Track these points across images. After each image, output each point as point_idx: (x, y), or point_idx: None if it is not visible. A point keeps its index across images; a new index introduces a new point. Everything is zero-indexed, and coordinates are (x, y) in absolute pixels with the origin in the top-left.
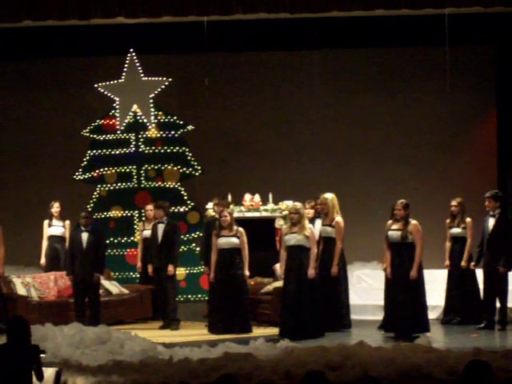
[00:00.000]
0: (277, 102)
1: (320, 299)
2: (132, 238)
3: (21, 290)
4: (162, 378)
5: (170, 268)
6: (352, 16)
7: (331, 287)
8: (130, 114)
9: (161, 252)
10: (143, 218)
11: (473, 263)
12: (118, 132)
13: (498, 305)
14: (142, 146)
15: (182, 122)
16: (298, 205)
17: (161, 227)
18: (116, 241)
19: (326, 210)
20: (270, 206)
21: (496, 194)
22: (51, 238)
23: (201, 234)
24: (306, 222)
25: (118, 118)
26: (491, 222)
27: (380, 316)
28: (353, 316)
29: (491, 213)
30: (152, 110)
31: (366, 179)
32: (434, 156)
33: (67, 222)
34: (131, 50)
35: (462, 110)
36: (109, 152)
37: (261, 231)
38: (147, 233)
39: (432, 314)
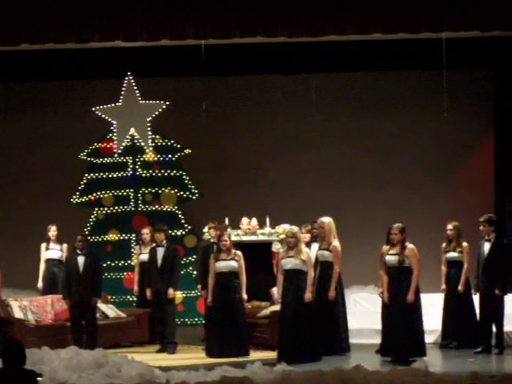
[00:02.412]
0: (274, 126)
1: (317, 323)
2: (129, 262)
3: (18, 314)
4: None
5: (171, 291)
6: (350, 40)
7: (329, 311)
8: (128, 137)
9: (161, 275)
10: (140, 242)
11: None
12: (116, 155)
13: (494, 329)
14: (140, 170)
15: (179, 146)
16: (295, 229)
17: (160, 251)
18: (113, 264)
19: (322, 233)
20: (267, 229)
21: (490, 219)
22: (49, 261)
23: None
24: (303, 245)
25: (115, 142)
26: (486, 246)
27: (377, 340)
28: (350, 340)
29: (486, 237)
30: (149, 133)
31: (362, 203)
32: (431, 180)
33: (65, 246)
34: (129, 73)
35: (460, 133)
36: (106, 175)
37: (258, 255)
38: (144, 257)
39: (429, 338)
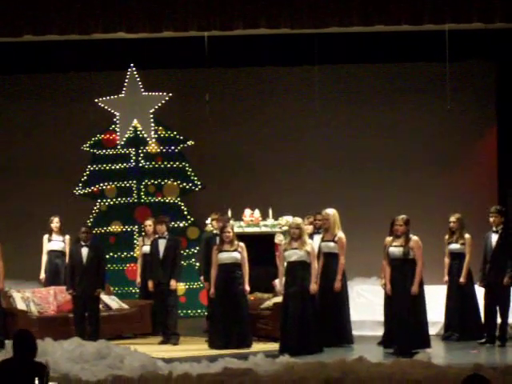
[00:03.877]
0: (277, 117)
1: (320, 315)
2: (132, 253)
3: (20, 305)
4: None
5: (173, 283)
6: (352, 32)
7: (333, 303)
8: (130, 128)
9: (163, 267)
10: (143, 233)
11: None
12: (118, 147)
13: (498, 320)
14: (142, 161)
15: (182, 137)
16: (299, 220)
17: (162, 242)
18: (116, 256)
19: (327, 225)
20: (270, 221)
21: (501, 209)
22: (51, 252)
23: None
24: (307, 237)
25: (118, 133)
26: (494, 237)
27: (379, 331)
28: (352, 331)
29: (494, 229)
30: (152, 124)
31: (365, 194)
32: (434, 172)
33: (67, 237)
34: (131, 64)
35: (463, 125)
36: (109, 167)
37: (260, 246)
38: (147, 248)
39: (432, 330)
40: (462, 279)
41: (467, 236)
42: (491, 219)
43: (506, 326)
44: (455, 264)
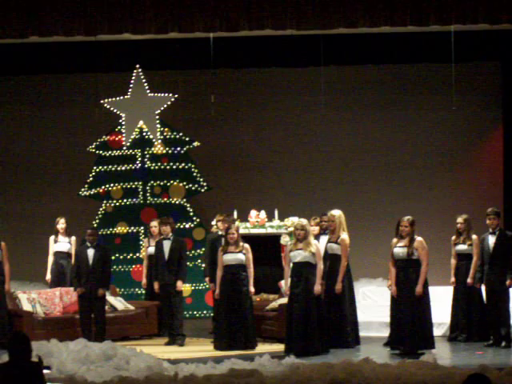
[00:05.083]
0: (283, 119)
1: (326, 316)
2: (137, 254)
3: (26, 306)
4: None
5: (179, 284)
6: (358, 33)
7: (337, 304)
8: (136, 130)
9: (168, 268)
10: (148, 235)
11: (478, 284)
12: (124, 148)
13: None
14: (148, 162)
15: (187, 139)
16: (304, 221)
17: (167, 243)
18: (121, 257)
19: (332, 226)
20: (276, 222)
21: (498, 211)
22: (57, 254)
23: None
24: (312, 238)
25: (123, 134)
26: (491, 239)
27: (385, 333)
28: (358, 333)
29: (490, 230)
30: (158, 126)
31: (371, 196)
32: (440, 173)
33: (73, 238)
34: (137, 66)
35: (468, 126)
36: (115, 168)
37: (266, 248)
38: (152, 249)
39: (438, 331)
40: (469, 280)
41: (474, 237)
42: (488, 221)
43: (508, 327)
44: (462, 265)
